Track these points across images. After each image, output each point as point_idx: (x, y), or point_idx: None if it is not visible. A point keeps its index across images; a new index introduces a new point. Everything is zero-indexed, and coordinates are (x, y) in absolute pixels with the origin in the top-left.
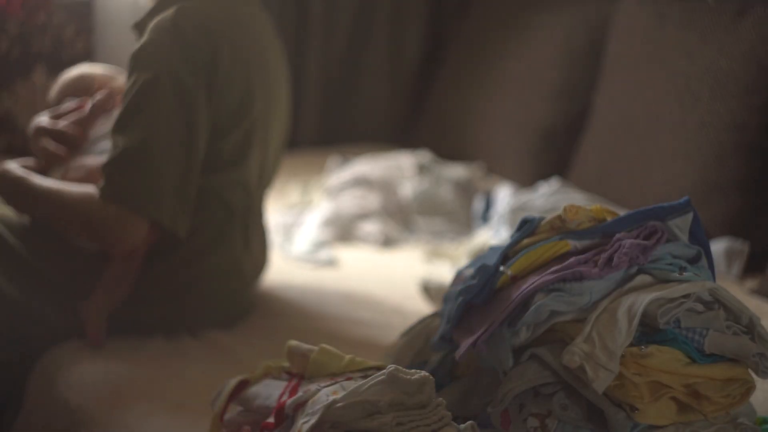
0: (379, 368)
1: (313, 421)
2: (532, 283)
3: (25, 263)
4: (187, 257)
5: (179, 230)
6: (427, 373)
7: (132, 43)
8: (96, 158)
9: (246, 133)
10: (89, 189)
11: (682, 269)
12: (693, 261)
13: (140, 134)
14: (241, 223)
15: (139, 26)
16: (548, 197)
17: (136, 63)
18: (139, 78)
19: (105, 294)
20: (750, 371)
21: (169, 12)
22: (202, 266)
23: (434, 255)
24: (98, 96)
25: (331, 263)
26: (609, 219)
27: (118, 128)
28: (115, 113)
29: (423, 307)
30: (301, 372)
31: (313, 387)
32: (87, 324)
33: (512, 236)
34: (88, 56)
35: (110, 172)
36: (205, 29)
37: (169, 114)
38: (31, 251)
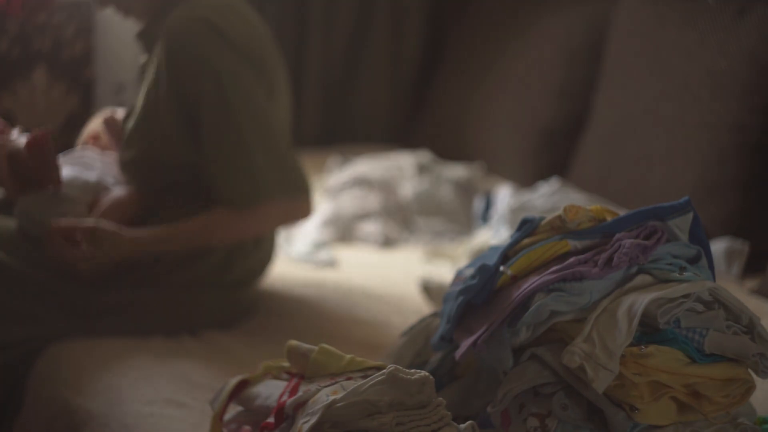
0: (379, 368)
1: (313, 421)
2: (532, 283)
3: (16, 269)
4: (198, 253)
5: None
6: (427, 373)
7: (131, 43)
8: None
9: None
10: (213, 215)
11: (682, 269)
12: (693, 261)
13: (233, 131)
14: None
15: (144, 35)
16: (548, 197)
17: (189, 74)
18: (207, 86)
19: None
20: (750, 371)
21: (181, 16)
22: (213, 263)
23: (434, 255)
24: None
25: (331, 264)
26: (609, 219)
27: (213, 143)
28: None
29: (423, 307)
30: (301, 372)
31: (313, 387)
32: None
33: (512, 236)
34: (88, 56)
35: (246, 181)
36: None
37: (246, 103)
38: (20, 258)
